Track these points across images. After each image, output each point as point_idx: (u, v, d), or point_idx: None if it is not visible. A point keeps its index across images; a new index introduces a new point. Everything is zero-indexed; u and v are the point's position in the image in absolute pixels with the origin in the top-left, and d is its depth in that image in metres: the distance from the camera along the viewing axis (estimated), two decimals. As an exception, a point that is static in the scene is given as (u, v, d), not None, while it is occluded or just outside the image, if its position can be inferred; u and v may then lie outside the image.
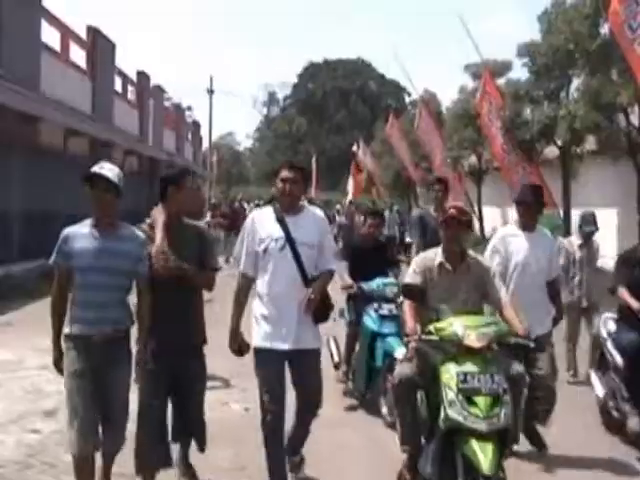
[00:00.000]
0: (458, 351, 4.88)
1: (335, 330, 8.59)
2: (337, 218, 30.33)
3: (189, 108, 73.15)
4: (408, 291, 5.57)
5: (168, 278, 5.16)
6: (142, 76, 37.33)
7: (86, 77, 26.76)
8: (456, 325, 4.95)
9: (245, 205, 36.65)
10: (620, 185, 19.55)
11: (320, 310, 5.41)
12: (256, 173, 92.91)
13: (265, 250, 5.35)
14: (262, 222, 5.47)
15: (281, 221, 5.38)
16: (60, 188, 21.14)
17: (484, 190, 30.29)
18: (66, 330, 5.19)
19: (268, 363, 5.32)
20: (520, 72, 23.25)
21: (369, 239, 9.02)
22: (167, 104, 48.55)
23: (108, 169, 5.27)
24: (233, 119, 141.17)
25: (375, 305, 7.96)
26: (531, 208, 7.25)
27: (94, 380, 5.03)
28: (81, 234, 5.19)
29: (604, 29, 17.76)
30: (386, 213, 25.93)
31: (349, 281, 8.29)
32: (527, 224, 7.21)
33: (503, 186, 25.05)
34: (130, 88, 35.42)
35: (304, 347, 5.37)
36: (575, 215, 20.55)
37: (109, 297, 5.09)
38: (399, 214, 30.22)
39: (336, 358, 8.76)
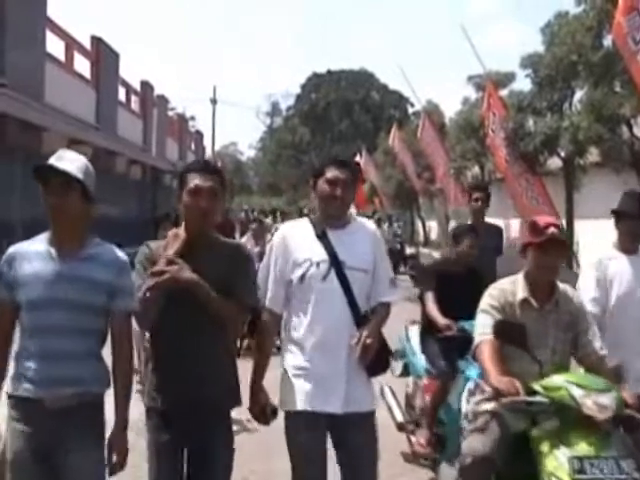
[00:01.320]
0: (565, 423, 3.71)
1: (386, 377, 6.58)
2: None
3: (192, 118, 73.48)
4: (505, 330, 4.16)
5: (182, 310, 3.70)
6: (146, 86, 37.48)
7: (90, 87, 26.88)
8: (572, 386, 3.70)
9: (250, 215, 35.65)
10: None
11: (377, 359, 4.13)
12: (259, 183, 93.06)
13: (302, 278, 4.10)
14: (296, 240, 4.22)
15: (323, 238, 4.16)
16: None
17: (487, 201, 30.25)
18: (8, 389, 3.72)
19: (305, 433, 4.08)
20: (523, 83, 23.35)
21: (462, 262, 6.93)
22: (170, 114, 48.75)
23: (69, 160, 3.86)
24: (236, 129, 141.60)
25: None
26: (637, 222, 5.63)
27: (43, 470, 3.65)
28: (33, 253, 3.75)
29: (607, 41, 17.74)
30: (385, 226, 25.99)
31: (444, 320, 6.30)
32: (631, 244, 5.64)
33: (506, 197, 25.05)
34: (134, 98, 35.56)
35: (356, 410, 4.10)
36: (578, 226, 20.60)
37: (71, 345, 3.63)
38: (398, 226, 30.45)
39: (399, 416, 7.05)
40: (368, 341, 3.98)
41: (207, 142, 62.44)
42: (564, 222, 20.66)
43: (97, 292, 3.70)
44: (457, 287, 6.37)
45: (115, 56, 30.07)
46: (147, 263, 3.94)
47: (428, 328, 6.62)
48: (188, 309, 3.72)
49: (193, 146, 56.37)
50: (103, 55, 28.00)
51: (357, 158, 46.71)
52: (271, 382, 4.33)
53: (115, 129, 29.45)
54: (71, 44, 24.93)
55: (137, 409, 7.94)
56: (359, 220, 4.41)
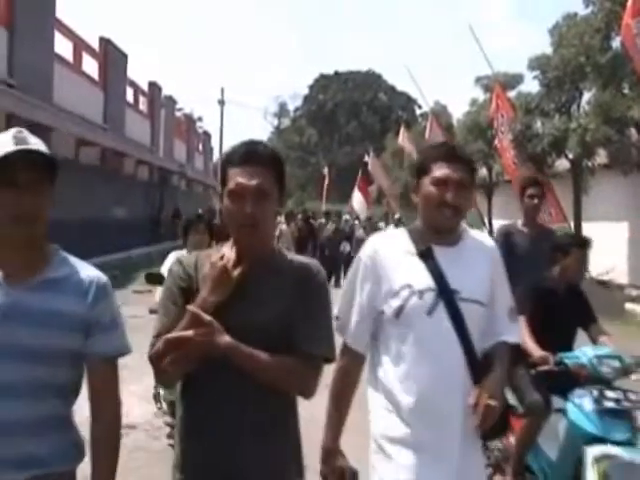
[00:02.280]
0: None
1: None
2: (355, 232, 26.16)
3: (200, 119, 73.39)
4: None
5: (220, 372, 2.67)
6: (153, 87, 37.54)
7: (98, 88, 26.93)
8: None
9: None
10: (631, 199, 19.51)
11: (497, 420, 3.07)
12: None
13: (399, 311, 3.04)
14: (392, 258, 3.14)
15: (428, 258, 3.10)
16: (72, 198, 21.21)
17: (494, 203, 30.25)
18: None
19: None
20: (531, 85, 23.37)
21: (564, 281, 5.72)
22: (178, 115, 48.77)
23: (33, 143, 2.61)
24: (244, 130, 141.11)
25: (591, 391, 4.77)
26: None
27: None
28: None
29: (615, 42, 17.75)
30: (381, 226, 25.49)
31: (540, 352, 5.09)
32: None
33: (514, 199, 25.01)
34: (142, 99, 35.61)
35: None
36: (586, 228, 20.56)
37: (22, 410, 2.51)
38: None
39: None
40: (491, 403, 2.96)
41: (215, 143, 62.42)
42: (572, 224, 20.65)
43: (63, 331, 2.56)
44: (557, 311, 5.45)
45: (123, 57, 30.14)
46: (178, 291, 2.79)
47: (517, 357, 4.85)
48: (228, 372, 2.65)
49: (201, 147, 56.41)
50: (111, 56, 28.06)
51: (366, 158, 46.82)
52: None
53: (123, 130, 29.51)
54: (79, 45, 24.98)
55: (148, 409, 8.00)
56: (472, 233, 3.30)
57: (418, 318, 3.01)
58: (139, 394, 8.32)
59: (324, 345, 2.76)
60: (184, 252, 6.41)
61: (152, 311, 6.39)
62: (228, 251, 2.76)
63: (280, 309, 2.70)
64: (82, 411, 2.89)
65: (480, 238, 3.31)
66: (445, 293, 3.02)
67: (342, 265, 22.20)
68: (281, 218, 28.02)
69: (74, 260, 2.78)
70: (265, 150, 2.78)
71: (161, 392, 6.78)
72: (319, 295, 2.82)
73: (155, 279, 6.90)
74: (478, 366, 3.06)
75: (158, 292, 6.44)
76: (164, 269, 6.71)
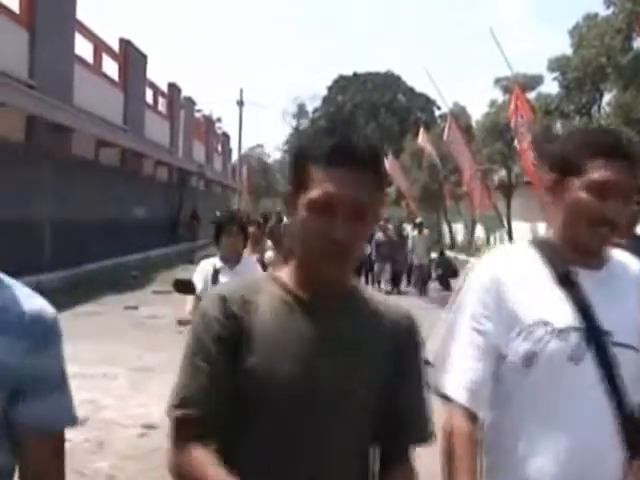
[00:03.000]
0: None
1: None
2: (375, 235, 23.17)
3: (219, 120, 73.58)
4: None
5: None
6: (173, 88, 37.64)
7: (118, 89, 27.03)
8: None
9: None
10: (652, 201, 19.40)
11: None
12: (285, 185, 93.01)
13: (531, 357, 2.18)
14: (520, 284, 2.27)
15: (571, 287, 2.24)
16: (91, 198, 21.33)
17: (513, 204, 30.16)
18: None
19: None
20: (551, 86, 23.28)
21: None
22: (197, 116, 48.88)
23: None
24: (263, 131, 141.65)
25: None
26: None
27: None
28: None
29: (637, 43, 17.69)
30: (408, 230, 23.94)
31: None
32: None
33: (533, 201, 24.92)
34: (161, 100, 35.71)
35: None
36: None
37: None
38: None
39: None
40: None
41: (234, 144, 62.63)
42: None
43: None
44: None
45: (143, 58, 30.23)
46: (214, 345, 1.88)
47: None
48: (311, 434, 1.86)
49: (220, 148, 56.50)
50: (131, 57, 28.15)
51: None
52: None
53: (142, 131, 29.59)
54: (100, 46, 25.08)
55: (164, 409, 8.01)
56: (615, 253, 2.36)
57: (558, 367, 2.16)
58: (158, 394, 8.34)
59: (428, 428, 2.00)
60: (216, 260, 6.34)
61: (181, 322, 5.94)
62: (284, 276, 1.95)
63: (371, 370, 1.90)
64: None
65: (625, 260, 2.37)
66: (594, 334, 2.17)
67: (362, 269, 21.73)
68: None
69: (10, 283, 1.81)
70: (366, 146, 1.85)
71: None
72: (418, 356, 2.02)
73: (185, 287, 6.10)
74: (634, 430, 2.18)
75: (189, 302, 6.13)
76: (196, 278, 6.26)
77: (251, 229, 9.86)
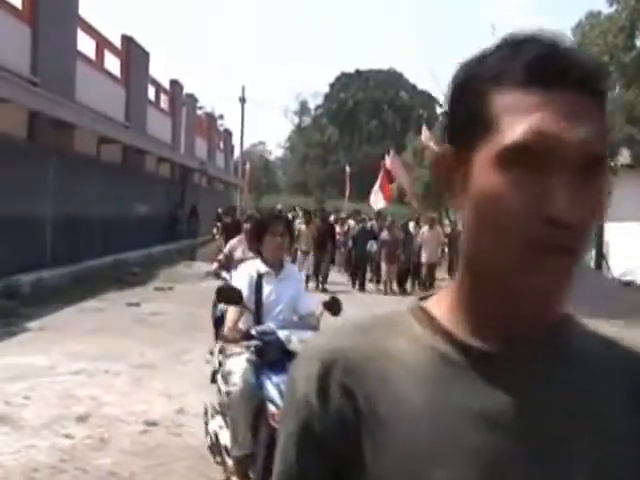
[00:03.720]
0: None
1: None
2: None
3: (221, 117, 73.68)
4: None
5: None
6: (175, 85, 37.63)
7: (120, 85, 27.02)
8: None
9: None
10: (654, 199, 19.39)
11: None
12: (287, 182, 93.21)
13: None
14: None
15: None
16: (93, 195, 21.33)
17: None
18: None
19: None
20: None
21: None
22: (199, 112, 48.88)
23: None
24: (265, 128, 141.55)
25: None
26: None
27: None
28: None
29: (640, 41, 17.65)
30: (412, 226, 23.31)
31: None
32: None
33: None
34: (163, 96, 35.70)
35: None
36: (608, 229, 20.45)
37: None
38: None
39: None
40: None
41: (236, 141, 62.55)
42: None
43: None
44: None
45: (145, 55, 30.20)
46: (312, 453, 1.06)
47: None
48: None
49: (222, 145, 56.49)
50: (133, 54, 28.12)
51: (387, 157, 46.79)
52: None
53: (144, 127, 29.58)
54: (102, 43, 25.06)
55: (169, 406, 8.03)
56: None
57: None
58: (160, 391, 8.36)
59: None
60: (259, 263, 5.45)
61: (227, 339, 5.28)
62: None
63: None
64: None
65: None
66: None
67: (368, 266, 21.70)
68: (298, 217, 27.70)
69: None
70: (586, 56, 1.00)
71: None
72: None
73: (230, 296, 5.08)
74: None
75: (232, 313, 5.20)
76: (240, 283, 5.30)
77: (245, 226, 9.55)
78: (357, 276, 21.23)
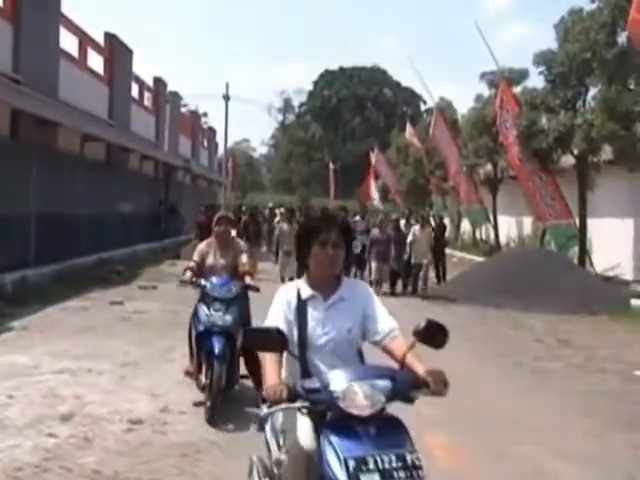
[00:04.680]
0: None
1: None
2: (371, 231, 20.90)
3: (205, 114, 73.57)
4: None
5: None
6: (159, 82, 37.55)
7: (103, 83, 26.93)
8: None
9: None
10: (636, 195, 19.49)
11: None
12: (271, 179, 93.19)
13: None
14: None
15: None
16: (77, 193, 21.24)
17: (499, 198, 30.25)
18: None
19: None
20: (536, 80, 23.31)
21: None
22: (183, 110, 48.77)
23: None
24: (248, 126, 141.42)
25: None
26: None
27: None
28: None
29: (621, 37, 17.74)
30: (403, 223, 22.38)
31: None
32: None
33: (518, 195, 25.05)
34: (147, 94, 35.61)
35: None
36: (592, 225, 20.55)
37: None
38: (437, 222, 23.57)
39: None
40: None
41: (220, 138, 62.43)
42: (577, 220, 20.63)
43: None
44: None
45: (128, 53, 30.11)
46: None
47: None
48: None
49: (206, 142, 56.38)
50: (117, 52, 28.03)
51: (372, 154, 46.89)
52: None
53: (128, 125, 29.50)
54: (85, 40, 24.96)
55: (153, 404, 8.01)
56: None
57: None
58: (144, 389, 8.34)
59: None
60: (301, 282, 4.06)
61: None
62: None
63: None
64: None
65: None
66: None
67: (353, 267, 20.40)
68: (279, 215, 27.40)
69: None
70: None
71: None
72: None
73: (270, 343, 3.62)
74: None
75: (269, 363, 3.80)
76: (275, 316, 4.01)
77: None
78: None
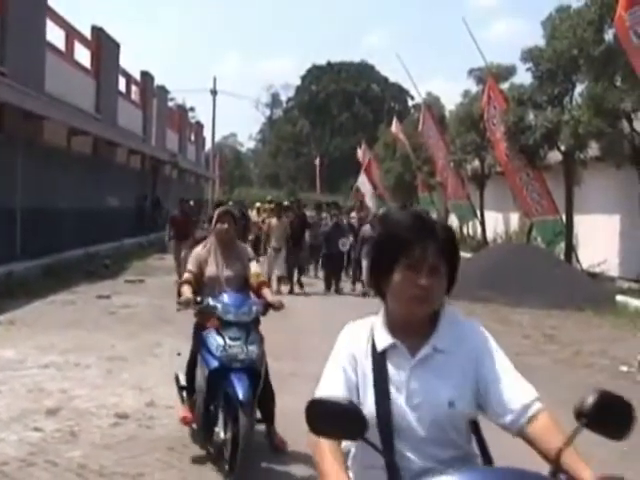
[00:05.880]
0: None
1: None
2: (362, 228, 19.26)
3: (192, 109, 73.46)
4: None
5: None
6: (146, 76, 37.45)
7: (90, 77, 26.83)
8: None
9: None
10: (623, 191, 19.55)
11: None
12: (259, 174, 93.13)
13: None
14: None
15: None
16: (64, 187, 21.18)
17: (486, 194, 30.28)
18: None
19: None
20: (524, 77, 23.36)
21: None
22: (170, 104, 48.70)
23: None
24: (236, 120, 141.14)
25: None
26: None
27: None
28: None
29: (608, 35, 17.76)
30: None
31: None
32: None
33: (506, 191, 25.11)
34: (134, 88, 35.51)
35: None
36: (578, 221, 20.62)
37: None
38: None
39: None
40: None
41: (207, 133, 62.38)
42: (564, 217, 20.69)
43: None
44: None
45: (115, 46, 30.00)
46: None
47: None
48: None
49: (193, 137, 56.30)
50: (104, 45, 27.93)
51: (357, 151, 46.96)
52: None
53: (115, 119, 29.42)
54: (71, 34, 24.85)
55: (139, 399, 8.00)
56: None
57: None
58: (130, 383, 8.33)
59: None
60: (378, 323, 2.54)
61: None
62: None
63: None
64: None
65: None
66: None
67: (343, 267, 19.47)
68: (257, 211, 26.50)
69: None
70: None
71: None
72: None
73: (342, 428, 2.23)
74: None
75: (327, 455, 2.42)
76: (332, 373, 2.70)
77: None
78: (330, 278, 18.74)
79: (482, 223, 30.31)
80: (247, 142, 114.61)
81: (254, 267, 6.45)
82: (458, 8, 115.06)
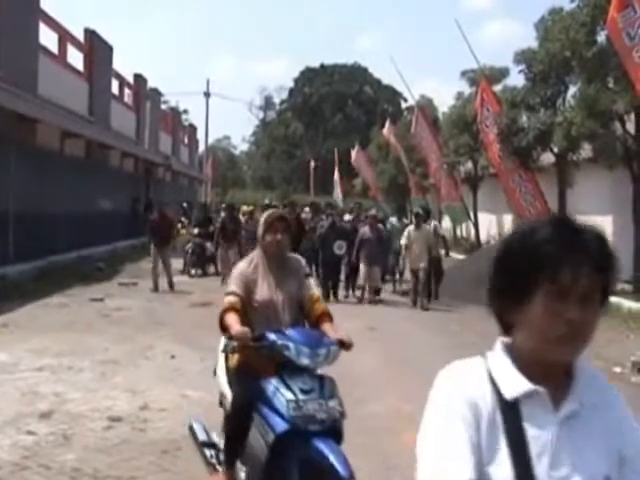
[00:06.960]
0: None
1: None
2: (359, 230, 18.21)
3: (185, 111, 73.30)
4: None
5: None
6: (139, 79, 37.42)
7: (83, 79, 26.79)
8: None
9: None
10: (615, 192, 19.60)
11: None
12: (252, 177, 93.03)
13: None
14: None
15: None
16: (57, 190, 21.13)
17: (479, 196, 30.34)
18: None
19: None
20: (517, 79, 23.42)
21: None
22: (164, 107, 48.63)
23: None
24: (229, 123, 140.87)
25: None
26: None
27: None
28: None
29: (601, 37, 17.82)
30: (393, 221, 21.26)
31: None
32: None
33: (499, 192, 25.14)
34: (127, 91, 35.47)
35: None
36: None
37: None
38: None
39: None
40: None
41: (200, 136, 62.31)
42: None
43: None
44: None
45: (108, 49, 29.97)
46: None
47: None
48: None
49: (186, 139, 56.23)
50: (96, 48, 27.89)
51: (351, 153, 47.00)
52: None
53: (108, 122, 29.38)
54: (65, 36, 24.81)
55: (133, 402, 7.99)
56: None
57: None
58: (124, 387, 8.32)
59: None
60: (504, 362, 1.83)
61: None
62: None
63: None
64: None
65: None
66: None
67: (340, 271, 18.32)
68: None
69: None
70: None
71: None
72: None
73: None
74: None
75: None
76: (453, 443, 1.79)
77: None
78: (327, 285, 17.19)
79: (475, 225, 30.36)
80: (240, 144, 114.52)
81: (313, 287, 4.96)
82: (451, 10, 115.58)
